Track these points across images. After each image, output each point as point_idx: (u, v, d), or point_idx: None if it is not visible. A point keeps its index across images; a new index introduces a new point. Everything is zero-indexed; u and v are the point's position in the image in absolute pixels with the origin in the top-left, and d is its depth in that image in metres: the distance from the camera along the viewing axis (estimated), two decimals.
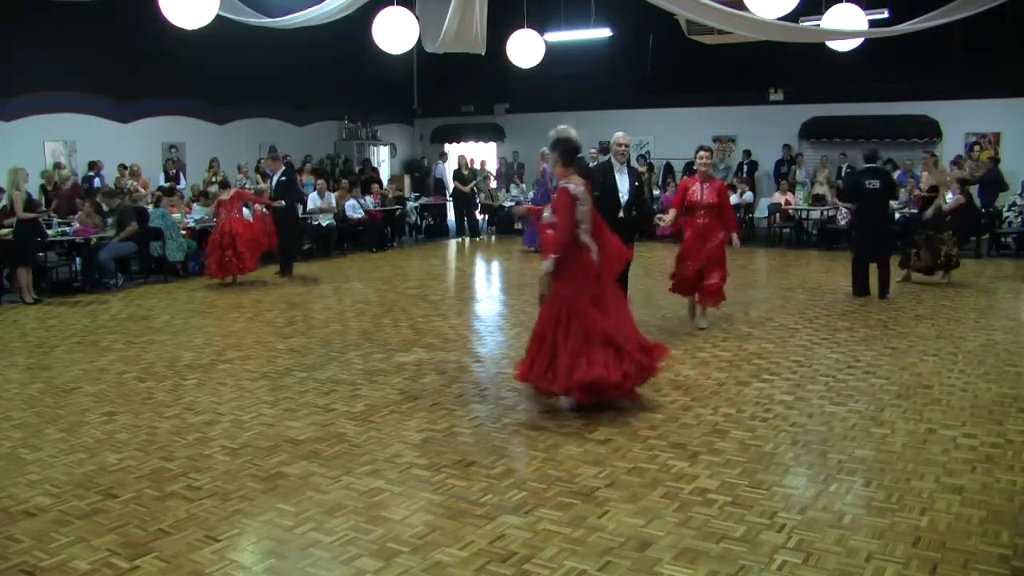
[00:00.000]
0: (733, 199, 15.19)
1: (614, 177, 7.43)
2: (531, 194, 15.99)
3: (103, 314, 9.31)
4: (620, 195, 7.38)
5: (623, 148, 7.47)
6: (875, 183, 9.62)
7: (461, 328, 8.46)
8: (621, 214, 7.29)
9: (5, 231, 9.98)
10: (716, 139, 17.71)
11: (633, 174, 7.61)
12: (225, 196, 11.20)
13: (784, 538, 3.70)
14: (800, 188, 15.22)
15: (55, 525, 3.93)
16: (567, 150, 5.59)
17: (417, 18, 9.15)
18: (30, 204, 10.06)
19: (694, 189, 7.77)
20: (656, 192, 16.36)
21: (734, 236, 7.97)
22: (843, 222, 13.88)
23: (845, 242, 13.32)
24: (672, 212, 7.92)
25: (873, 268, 9.64)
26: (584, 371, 5.11)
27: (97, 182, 13.72)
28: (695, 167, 7.97)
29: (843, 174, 14.90)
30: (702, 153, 7.76)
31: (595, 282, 5.30)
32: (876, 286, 9.62)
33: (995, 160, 14.13)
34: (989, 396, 5.78)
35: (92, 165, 14.22)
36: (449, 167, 18.94)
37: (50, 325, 8.70)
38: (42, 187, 13.19)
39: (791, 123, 16.57)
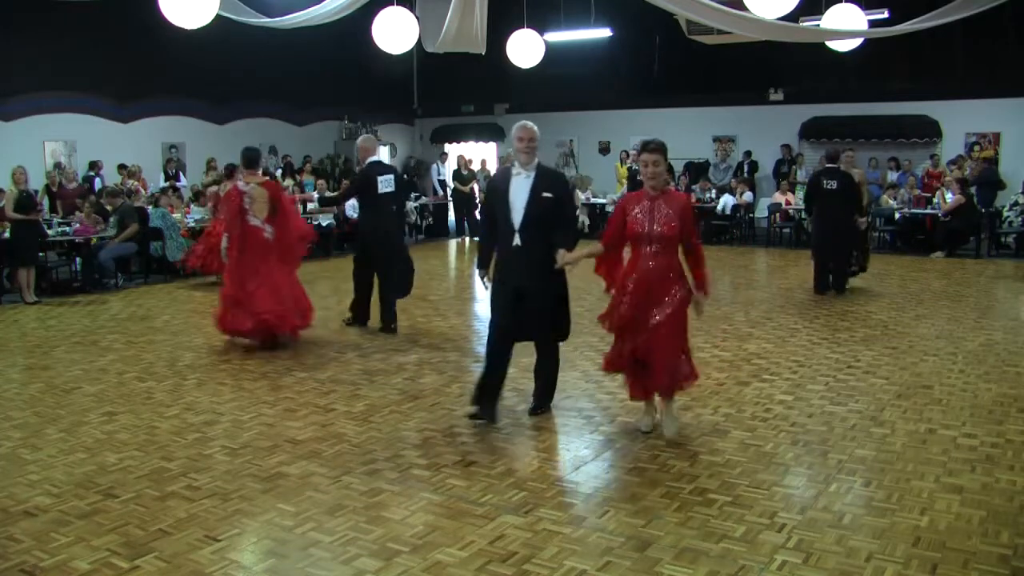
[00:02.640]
0: (730, 200, 15.30)
1: (507, 186, 5.18)
2: None
3: (103, 314, 9.31)
4: (512, 213, 5.13)
5: (525, 144, 5.17)
6: (832, 184, 9.57)
7: (461, 328, 8.46)
8: (517, 241, 5.11)
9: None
10: (716, 139, 17.73)
11: (544, 181, 5.15)
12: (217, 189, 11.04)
13: (784, 538, 3.70)
14: (800, 188, 15.21)
15: (55, 525, 3.93)
16: (245, 157, 7.57)
17: (417, 18, 9.16)
18: (30, 204, 10.04)
19: (636, 212, 4.88)
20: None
21: (700, 298, 5.01)
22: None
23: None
24: (595, 247, 5.12)
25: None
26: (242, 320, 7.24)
27: (98, 182, 13.72)
28: (638, 177, 5.41)
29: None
30: (645, 156, 4.81)
31: (262, 257, 7.30)
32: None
33: (989, 160, 14.12)
34: (989, 396, 5.78)
35: (92, 165, 14.22)
36: (449, 167, 18.94)
37: (50, 325, 8.70)
38: (46, 187, 13.19)
39: (791, 123, 16.57)
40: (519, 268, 5.14)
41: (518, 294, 5.16)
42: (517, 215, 5.12)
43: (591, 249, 5.09)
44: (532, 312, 5.19)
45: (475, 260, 5.74)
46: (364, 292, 8.23)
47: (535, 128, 5.19)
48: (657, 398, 5.13)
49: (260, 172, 7.76)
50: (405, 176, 18.74)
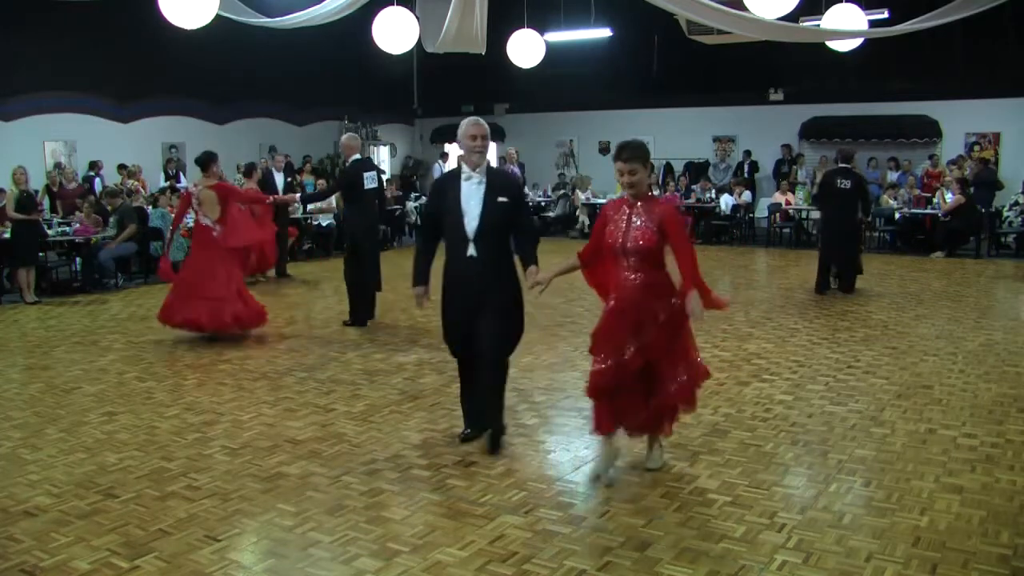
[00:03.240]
0: (730, 200, 15.30)
1: (458, 191, 4.70)
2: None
3: (103, 314, 9.31)
4: (466, 220, 4.66)
5: (479, 143, 4.72)
6: (847, 183, 9.57)
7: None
8: (471, 251, 4.66)
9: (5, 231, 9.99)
10: (716, 139, 17.72)
11: (497, 184, 4.72)
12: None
13: (784, 538, 3.70)
14: (800, 188, 15.22)
15: (55, 525, 3.93)
16: (197, 160, 8.09)
17: (417, 18, 9.15)
18: (31, 204, 10.05)
19: (615, 221, 4.31)
20: (656, 192, 16.32)
21: (691, 299, 4.17)
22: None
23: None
24: (571, 262, 4.60)
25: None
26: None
27: (98, 182, 13.71)
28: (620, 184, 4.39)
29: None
30: (620, 165, 4.21)
31: (214, 253, 7.64)
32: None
33: (986, 161, 14.12)
34: (989, 396, 5.78)
35: (93, 165, 14.22)
36: (449, 167, 18.95)
37: (50, 325, 8.70)
38: (46, 187, 13.19)
39: (791, 123, 16.56)
40: (474, 280, 4.67)
41: (473, 308, 4.67)
42: (472, 223, 4.63)
43: (566, 264, 4.61)
44: (488, 326, 4.64)
45: (413, 276, 4.96)
46: (360, 292, 8.38)
47: (487, 126, 4.79)
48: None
49: (212, 173, 8.14)
50: (410, 176, 18.77)
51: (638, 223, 4.23)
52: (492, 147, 21.29)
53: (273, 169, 12.92)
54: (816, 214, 14.59)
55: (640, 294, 4.24)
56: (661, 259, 4.29)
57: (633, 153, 4.21)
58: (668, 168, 17.53)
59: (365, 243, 8.42)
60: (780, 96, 16.99)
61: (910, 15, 8.74)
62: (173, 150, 15.91)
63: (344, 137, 8.84)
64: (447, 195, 4.73)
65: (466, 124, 4.72)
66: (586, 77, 17.66)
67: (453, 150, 19.87)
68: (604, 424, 4.30)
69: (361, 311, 8.42)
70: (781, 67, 15.93)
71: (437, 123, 21.03)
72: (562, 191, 17.83)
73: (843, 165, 9.85)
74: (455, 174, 4.75)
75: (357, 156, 8.54)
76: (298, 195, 11.18)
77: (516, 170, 15.14)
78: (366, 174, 8.39)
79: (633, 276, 4.25)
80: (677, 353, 4.35)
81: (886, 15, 11.13)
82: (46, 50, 13.28)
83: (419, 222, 17.21)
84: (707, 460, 4.65)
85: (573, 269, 4.59)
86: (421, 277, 4.95)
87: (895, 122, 15.67)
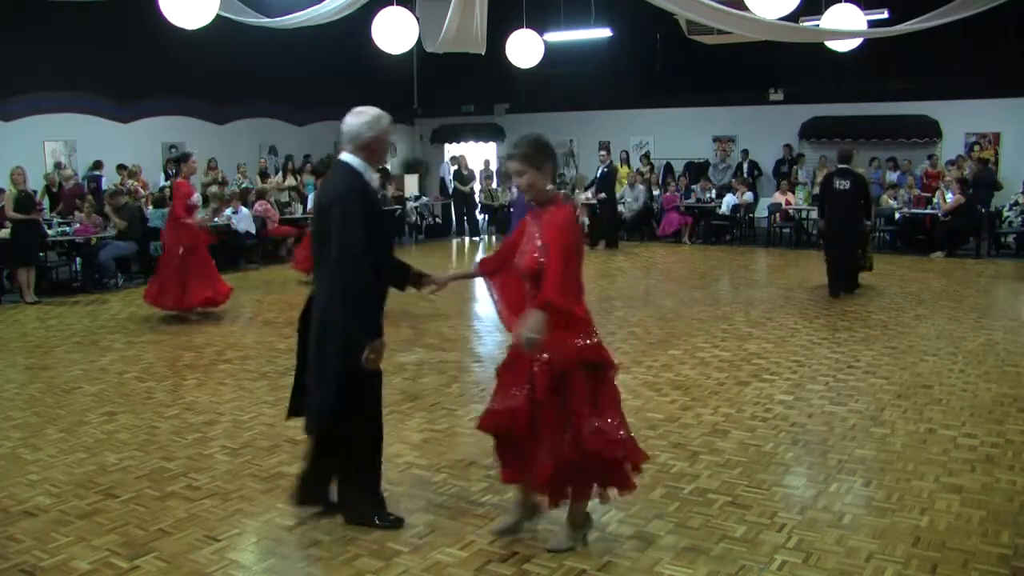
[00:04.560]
0: (731, 200, 15.30)
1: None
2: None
3: (103, 314, 9.31)
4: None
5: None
6: (845, 184, 9.50)
7: (461, 328, 8.46)
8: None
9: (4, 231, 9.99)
10: (716, 139, 17.71)
11: (321, 191, 3.95)
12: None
13: (784, 538, 3.70)
14: (800, 188, 15.22)
15: (55, 525, 3.93)
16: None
17: (417, 18, 9.17)
18: (29, 204, 10.05)
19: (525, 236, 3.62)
20: (656, 192, 16.34)
21: (523, 323, 3.36)
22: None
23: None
24: (466, 271, 4.20)
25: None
26: None
27: (105, 182, 13.69)
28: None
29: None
30: (508, 165, 3.70)
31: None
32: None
33: (985, 161, 14.12)
34: (989, 396, 5.78)
35: (97, 164, 14.21)
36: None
37: (50, 325, 8.70)
38: (46, 187, 13.18)
39: (791, 123, 16.56)
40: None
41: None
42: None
43: (465, 271, 4.13)
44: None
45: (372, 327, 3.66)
46: None
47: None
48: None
49: (183, 173, 8.75)
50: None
51: (532, 238, 3.51)
52: (492, 147, 21.34)
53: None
54: (816, 214, 14.63)
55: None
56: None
57: (519, 151, 3.54)
58: (668, 168, 17.53)
59: None
60: (780, 96, 16.98)
61: (910, 15, 8.75)
62: (173, 150, 15.88)
63: (528, 137, 8.91)
64: (378, 204, 3.90)
65: (384, 117, 3.72)
66: (586, 77, 17.65)
67: (453, 150, 19.91)
68: (504, 472, 3.72)
69: None
70: (781, 67, 15.93)
71: (437, 123, 21.03)
72: (562, 191, 17.82)
73: (841, 166, 9.80)
74: (365, 178, 3.67)
75: None
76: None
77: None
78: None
79: (532, 302, 3.44)
80: (575, 405, 3.41)
81: (886, 15, 11.13)
82: (46, 50, 13.27)
83: (419, 222, 17.27)
84: (707, 460, 4.65)
85: (472, 276, 4.03)
86: (379, 326, 3.69)
87: (895, 122, 15.66)
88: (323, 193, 3.76)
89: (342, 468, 3.82)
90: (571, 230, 3.48)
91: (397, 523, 3.84)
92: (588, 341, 3.45)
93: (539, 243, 3.44)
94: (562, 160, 18.51)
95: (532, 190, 3.53)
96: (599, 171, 14.96)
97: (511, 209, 14.53)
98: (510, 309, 3.68)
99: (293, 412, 3.90)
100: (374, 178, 3.76)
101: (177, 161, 9.00)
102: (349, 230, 3.46)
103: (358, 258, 3.46)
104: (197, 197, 9.08)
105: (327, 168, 9.02)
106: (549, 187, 3.54)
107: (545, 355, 3.36)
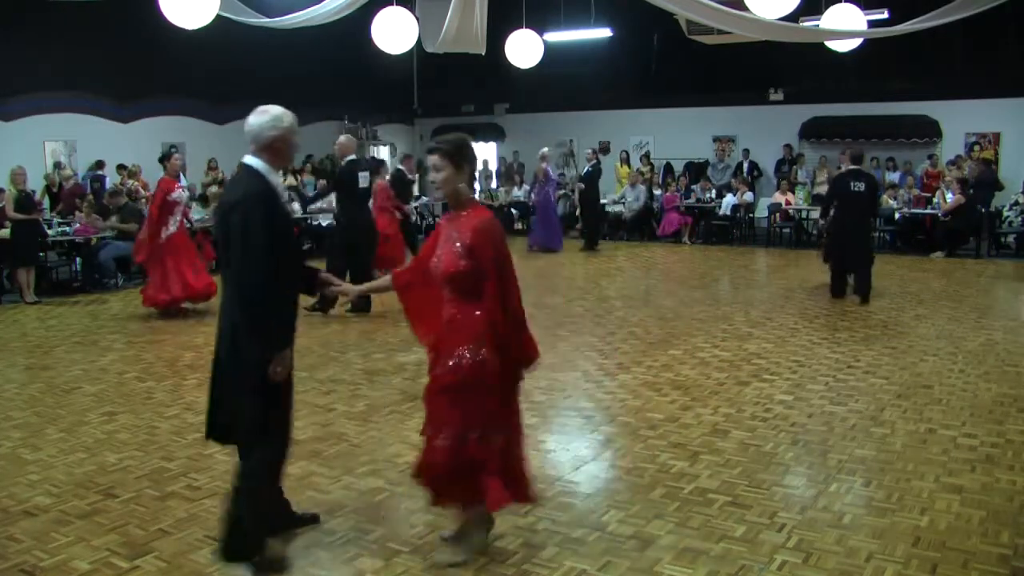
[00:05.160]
0: (731, 200, 15.31)
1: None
2: (531, 193, 16.01)
3: (103, 314, 9.31)
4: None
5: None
6: (860, 185, 9.20)
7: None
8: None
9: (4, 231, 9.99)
10: (716, 139, 17.71)
11: (224, 199, 3.61)
12: None
13: (784, 538, 3.70)
14: (800, 188, 15.22)
15: (55, 525, 3.93)
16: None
17: (417, 18, 9.17)
18: (29, 204, 10.05)
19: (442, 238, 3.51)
20: (656, 192, 16.34)
21: (484, 357, 3.32)
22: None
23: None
24: (379, 283, 4.09)
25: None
26: None
27: (108, 181, 13.68)
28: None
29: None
30: (431, 157, 3.45)
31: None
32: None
33: (988, 161, 14.12)
34: (989, 396, 5.78)
35: (99, 164, 14.21)
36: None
37: (50, 325, 8.70)
38: (46, 187, 13.18)
39: (791, 123, 16.56)
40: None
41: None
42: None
43: (378, 283, 3.99)
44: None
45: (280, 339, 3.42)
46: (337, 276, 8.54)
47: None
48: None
49: (167, 171, 9.07)
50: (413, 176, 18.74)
51: (450, 242, 3.41)
52: (492, 147, 21.39)
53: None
54: (815, 214, 14.63)
55: (448, 329, 3.40)
56: (476, 290, 3.34)
57: (441, 146, 3.42)
58: (668, 168, 17.54)
59: (364, 242, 8.62)
60: (780, 96, 16.98)
61: (910, 15, 8.74)
62: (173, 150, 15.89)
63: (342, 137, 9.06)
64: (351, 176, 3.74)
65: (289, 118, 3.50)
66: (586, 77, 17.65)
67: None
68: (489, 500, 3.48)
69: (326, 299, 8.62)
70: (781, 67, 15.92)
71: (437, 123, 21.02)
72: (562, 191, 17.83)
73: (854, 167, 9.44)
74: (271, 182, 3.45)
75: (352, 156, 8.77)
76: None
77: (551, 170, 14.64)
78: (360, 174, 8.60)
79: (448, 308, 3.41)
80: (448, 416, 3.37)
81: (886, 15, 11.12)
82: (46, 50, 13.27)
83: (419, 222, 17.25)
84: (707, 460, 4.65)
85: (386, 289, 3.82)
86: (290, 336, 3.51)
87: (895, 122, 15.66)
88: (224, 197, 3.60)
89: (242, 480, 3.44)
90: (498, 238, 3.39)
91: (277, 569, 3.48)
92: (483, 355, 3.30)
93: (458, 246, 3.34)
94: (562, 160, 18.55)
95: (447, 186, 3.42)
96: (585, 170, 14.96)
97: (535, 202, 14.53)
98: (424, 321, 3.57)
99: (211, 432, 3.59)
100: (278, 181, 3.52)
101: (161, 160, 9.23)
102: (249, 235, 3.26)
103: (259, 262, 3.25)
104: (180, 194, 9.08)
105: (329, 167, 9.11)
106: (462, 186, 3.44)
107: (451, 362, 3.32)
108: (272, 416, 3.44)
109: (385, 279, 3.84)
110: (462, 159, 3.42)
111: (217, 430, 3.56)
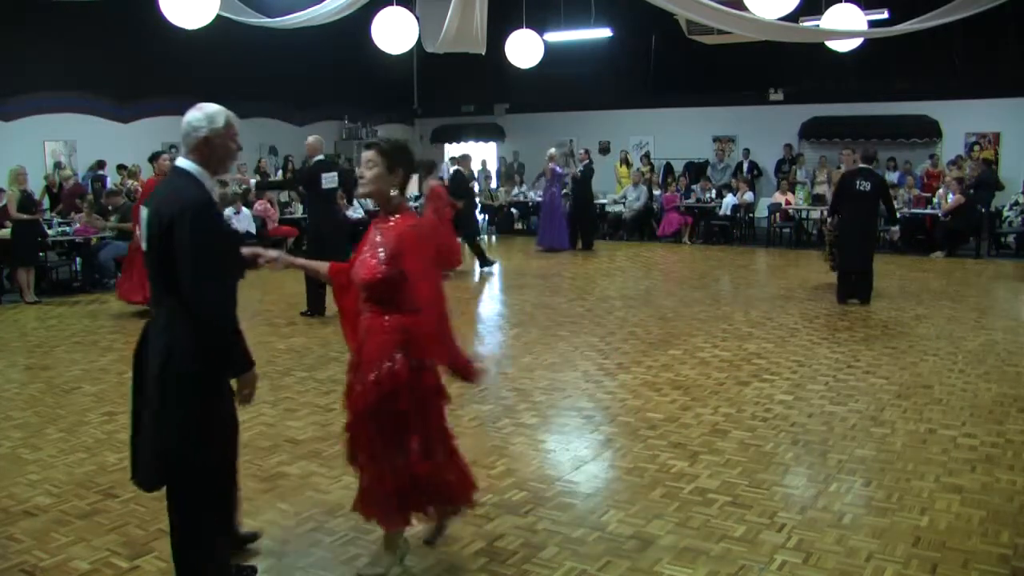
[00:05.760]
0: (731, 200, 15.31)
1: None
2: (537, 193, 16.01)
3: (103, 314, 9.31)
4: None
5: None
6: (866, 185, 9.05)
7: (461, 328, 8.45)
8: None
9: (5, 231, 10.00)
10: (716, 139, 17.72)
11: (155, 204, 3.14)
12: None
13: (784, 538, 3.70)
14: (800, 188, 15.22)
15: (55, 525, 3.93)
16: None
17: (417, 18, 9.17)
18: (30, 204, 10.05)
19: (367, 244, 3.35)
20: (656, 192, 16.33)
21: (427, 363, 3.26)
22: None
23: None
24: (317, 267, 3.76)
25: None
26: None
27: (109, 181, 13.69)
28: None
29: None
30: (366, 152, 3.35)
31: None
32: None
33: (988, 161, 14.12)
34: (989, 396, 5.78)
35: (101, 164, 14.22)
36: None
37: (50, 325, 8.70)
38: (46, 188, 13.19)
39: (791, 123, 16.56)
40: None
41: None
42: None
43: (316, 267, 3.74)
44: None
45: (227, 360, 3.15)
46: (315, 283, 8.71)
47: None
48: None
49: (157, 171, 9.11)
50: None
51: (372, 246, 3.27)
52: (492, 147, 21.41)
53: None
54: (816, 214, 14.63)
55: (366, 339, 3.25)
56: (393, 300, 3.21)
57: (379, 143, 3.32)
58: (668, 168, 17.54)
59: (331, 241, 8.68)
60: (780, 96, 16.99)
61: (910, 15, 8.74)
62: (173, 150, 15.88)
63: (310, 139, 9.14)
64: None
65: (223, 116, 3.23)
66: (586, 77, 17.66)
67: (453, 150, 19.87)
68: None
69: (317, 301, 8.88)
70: (781, 67, 15.93)
71: (437, 123, 21.04)
72: (564, 190, 17.83)
73: (863, 166, 9.28)
74: (205, 184, 3.13)
75: (320, 157, 8.91)
76: (252, 180, 11.61)
77: (558, 168, 14.59)
78: (324, 175, 8.77)
79: (366, 315, 3.28)
80: (369, 441, 3.24)
81: (886, 15, 11.13)
82: (46, 50, 13.28)
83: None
84: (707, 460, 4.65)
85: (320, 275, 3.70)
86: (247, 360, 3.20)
87: (895, 122, 15.66)
88: (157, 208, 3.04)
89: (181, 532, 3.13)
90: (426, 244, 3.25)
91: None
92: (400, 364, 3.18)
93: (381, 254, 3.20)
94: (562, 160, 18.59)
95: (373, 185, 3.26)
96: (577, 170, 14.97)
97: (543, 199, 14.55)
98: (355, 327, 3.38)
99: (136, 474, 3.27)
100: (214, 187, 3.16)
101: (151, 159, 9.35)
102: (200, 248, 2.89)
103: (216, 279, 2.93)
104: None
105: (332, 167, 9.14)
106: (395, 193, 3.29)
107: (372, 376, 3.18)
108: (212, 455, 3.05)
109: (324, 265, 3.63)
110: (397, 162, 3.27)
111: (142, 473, 3.18)
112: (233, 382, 3.15)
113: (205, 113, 3.18)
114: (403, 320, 3.18)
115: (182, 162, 3.16)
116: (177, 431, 3.00)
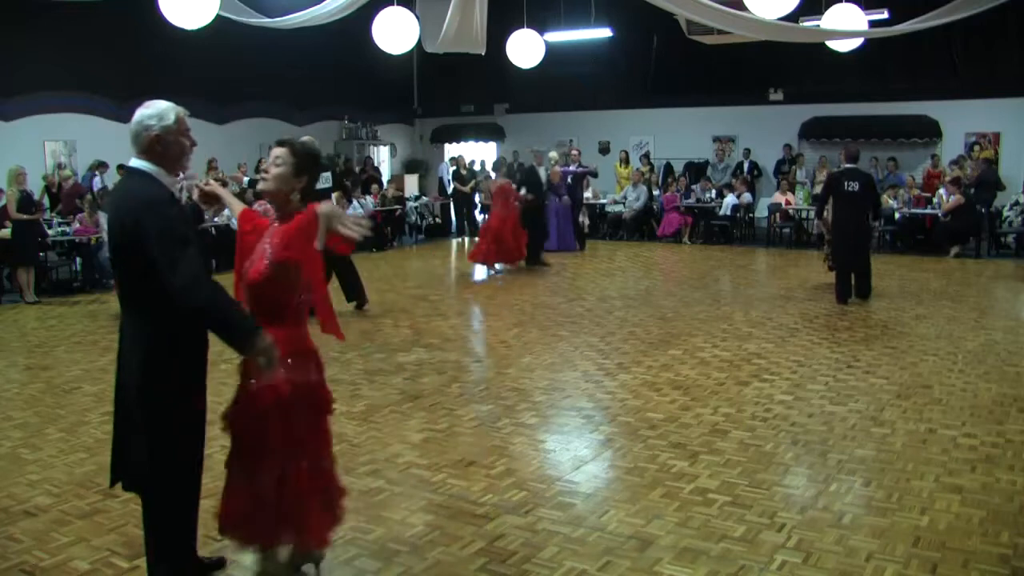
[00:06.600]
0: (732, 200, 15.31)
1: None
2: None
3: (103, 314, 9.31)
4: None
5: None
6: (854, 185, 9.03)
7: (461, 328, 8.46)
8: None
9: (5, 231, 10.00)
10: (716, 139, 17.72)
11: (113, 203, 3.49)
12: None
13: (784, 538, 3.70)
14: (800, 188, 15.22)
15: (55, 525, 3.93)
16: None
17: (417, 18, 9.17)
18: (29, 204, 10.06)
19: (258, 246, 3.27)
20: (656, 192, 16.33)
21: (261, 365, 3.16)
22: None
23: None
24: None
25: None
26: None
27: (97, 182, 13.68)
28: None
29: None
30: (276, 148, 3.30)
31: None
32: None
33: (989, 161, 14.12)
34: (989, 396, 5.78)
35: (100, 164, 14.21)
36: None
37: (50, 325, 8.70)
38: (46, 188, 13.19)
39: (791, 123, 16.55)
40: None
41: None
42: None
43: (231, 200, 3.66)
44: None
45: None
46: (351, 275, 8.91)
47: None
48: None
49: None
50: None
51: (262, 246, 3.19)
52: (492, 147, 21.42)
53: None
54: (814, 214, 14.60)
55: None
56: (278, 307, 3.23)
57: (291, 143, 3.27)
58: (668, 168, 17.53)
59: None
60: (780, 96, 16.98)
61: (910, 15, 8.74)
62: None
63: (304, 138, 9.07)
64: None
65: (173, 113, 3.15)
66: (586, 77, 17.66)
67: (453, 150, 19.88)
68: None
69: (356, 292, 9.02)
70: (781, 67, 15.92)
71: (437, 123, 21.03)
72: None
73: (849, 166, 9.31)
74: (164, 182, 3.09)
75: None
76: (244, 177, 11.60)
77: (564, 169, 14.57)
78: (320, 175, 8.81)
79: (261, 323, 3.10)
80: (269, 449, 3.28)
81: (886, 15, 11.13)
82: (46, 50, 13.27)
83: (419, 222, 17.24)
84: (707, 460, 4.65)
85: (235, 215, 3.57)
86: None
87: (895, 122, 15.65)
88: (120, 209, 3.02)
89: (153, 536, 3.15)
90: (309, 229, 3.06)
91: None
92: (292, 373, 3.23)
93: (267, 259, 3.12)
94: (562, 160, 18.60)
95: (276, 183, 3.17)
96: (595, 166, 14.96)
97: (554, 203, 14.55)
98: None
99: (116, 477, 3.21)
100: (172, 184, 3.08)
101: None
102: (168, 235, 2.85)
103: (191, 262, 2.86)
104: None
105: (332, 166, 9.16)
106: (295, 199, 3.21)
107: (259, 384, 3.17)
108: (184, 457, 3.13)
109: (239, 206, 3.58)
110: (304, 167, 3.21)
111: (123, 473, 3.17)
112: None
113: (155, 111, 3.11)
114: (288, 333, 3.20)
115: (136, 162, 3.09)
116: (150, 445, 3.05)
